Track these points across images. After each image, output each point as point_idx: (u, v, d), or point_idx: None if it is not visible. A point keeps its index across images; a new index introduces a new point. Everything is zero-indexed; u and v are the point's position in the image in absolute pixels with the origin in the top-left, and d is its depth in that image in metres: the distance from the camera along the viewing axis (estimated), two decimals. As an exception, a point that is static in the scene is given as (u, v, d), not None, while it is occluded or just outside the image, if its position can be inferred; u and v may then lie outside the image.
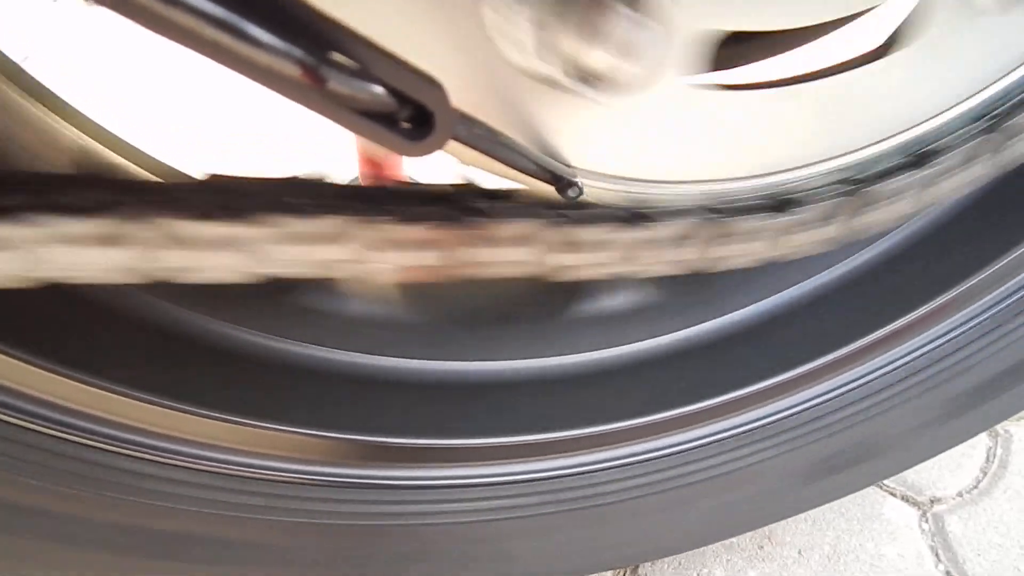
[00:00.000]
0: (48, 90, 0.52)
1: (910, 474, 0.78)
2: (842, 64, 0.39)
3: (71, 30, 1.48)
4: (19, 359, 0.36)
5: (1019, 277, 0.53)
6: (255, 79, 0.26)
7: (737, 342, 0.57)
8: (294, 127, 1.22)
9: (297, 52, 0.25)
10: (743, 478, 0.55)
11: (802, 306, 0.58)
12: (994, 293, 0.53)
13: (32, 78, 0.51)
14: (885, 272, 0.57)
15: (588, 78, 0.30)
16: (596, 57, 0.29)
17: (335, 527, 0.47)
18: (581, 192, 0.40)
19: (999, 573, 0.69)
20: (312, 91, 0.25)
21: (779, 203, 0.40)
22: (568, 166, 0.39)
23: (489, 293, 0.55)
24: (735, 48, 0.49)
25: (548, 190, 0.38)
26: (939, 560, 0.71)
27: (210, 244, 0.27)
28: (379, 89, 0.26)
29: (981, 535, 0.73)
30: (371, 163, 0.85)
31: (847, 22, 0.42)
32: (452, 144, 0.30)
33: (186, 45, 0.25)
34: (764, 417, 0.54)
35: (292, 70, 0.25)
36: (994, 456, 0.81)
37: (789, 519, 0.68)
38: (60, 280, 0.27)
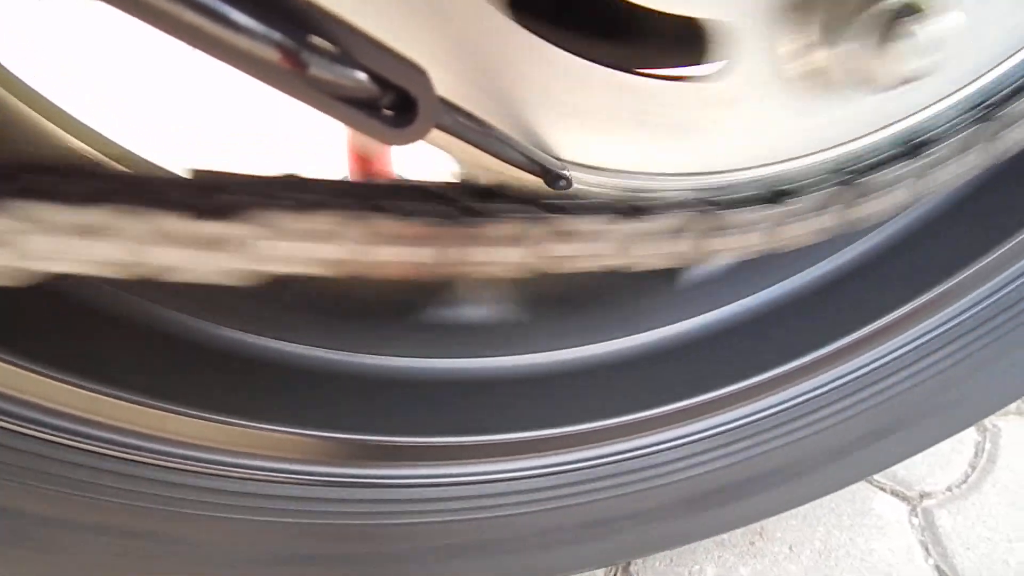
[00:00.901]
0: (32, 88, 0.51)
1: (900, 469, 0.78)
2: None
3: (71, 30, 1.47)
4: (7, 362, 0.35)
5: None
6: (234, 65, 0.25)
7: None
8: (294, 127, 1.21)
9: (277, 36, 0.24)
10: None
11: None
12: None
13: (16, 76, 0.50)
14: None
15: None
16: None
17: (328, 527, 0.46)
18: (570, 184, 0.40)
19: (988, 567, 0.70)
20: (293, 77, 0.25)
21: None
22: (557, 158, 0.39)
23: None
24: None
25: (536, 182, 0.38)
26: (929, 554, 0.71)
27: (197, 243, 0.26)
28: (361, 75, 0.25)
29: (970, 529, 0.73)
30: (361, 158, 0.84)
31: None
32: (436, 133, 0.29)
33: (164, 30, 0.24)
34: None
35: (272, 55, 0.24)
36: (983, 451, 0.81)
37: (780, 515, 0.69)
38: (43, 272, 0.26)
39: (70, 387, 0.37)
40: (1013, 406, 0.85)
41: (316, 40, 0.25)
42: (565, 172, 0.39)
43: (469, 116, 0.31)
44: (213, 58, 0.25)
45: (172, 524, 0.42)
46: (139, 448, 0.40)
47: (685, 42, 0.49)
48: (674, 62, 0.49)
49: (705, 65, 0.39)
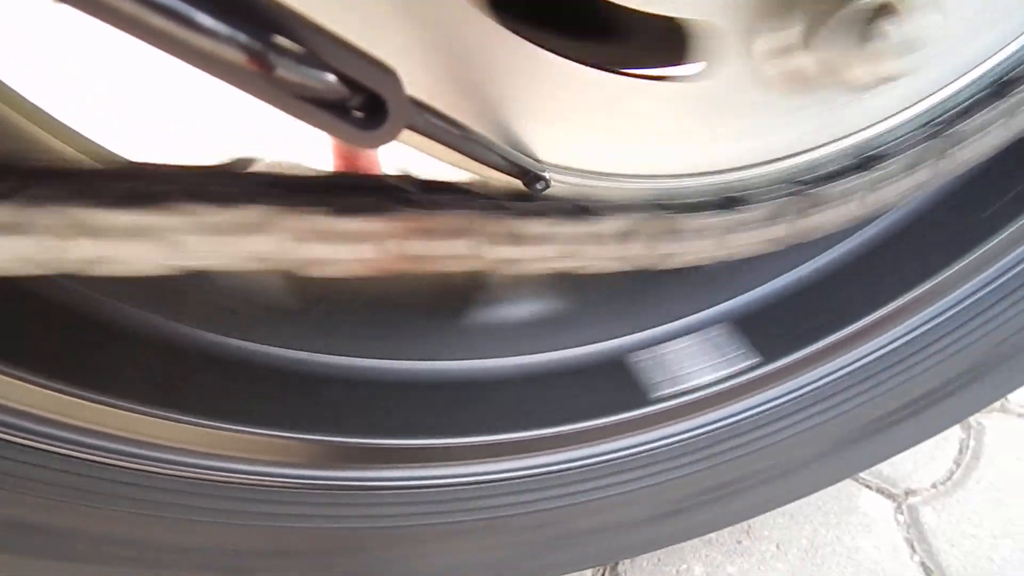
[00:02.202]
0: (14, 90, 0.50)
1: (885, 467, 0.79)
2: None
3: (73, 30, 1.45)
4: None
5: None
6: (200, 67, 0.25)
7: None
8: (294, 127, 1.20)
9: (242, 38, 0.24)
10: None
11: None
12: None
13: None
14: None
15: None
16: None
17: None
18: (548, 185, 0.39)
19: (973, 563, 0.70)
20: (258, 79, 0.24)
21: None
22: (536, 160, 0.39)
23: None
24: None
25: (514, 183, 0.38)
26: (914, 551, 0.71)
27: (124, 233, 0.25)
28: (329, 76, 0.25)
29: (955, 526, 0.73)
30: (345, 159, 0.83)
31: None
32: (409, 134, 0.29)
33: (128, 32, 0.24)
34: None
35: (237, 57, 0.24)
36: (967, 448, 0.82)
37: (766, 514, 0.69)
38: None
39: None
40: (997, 403, 0.85)
41: (282, 41, 0.24)
42: (544, 173, 0.39)
43: (442, 117, 0.30)
44: (180, 60, 0.25)
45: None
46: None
47: (666, 42, 0.49)
48: (654, 62, 0.48)
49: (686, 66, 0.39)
